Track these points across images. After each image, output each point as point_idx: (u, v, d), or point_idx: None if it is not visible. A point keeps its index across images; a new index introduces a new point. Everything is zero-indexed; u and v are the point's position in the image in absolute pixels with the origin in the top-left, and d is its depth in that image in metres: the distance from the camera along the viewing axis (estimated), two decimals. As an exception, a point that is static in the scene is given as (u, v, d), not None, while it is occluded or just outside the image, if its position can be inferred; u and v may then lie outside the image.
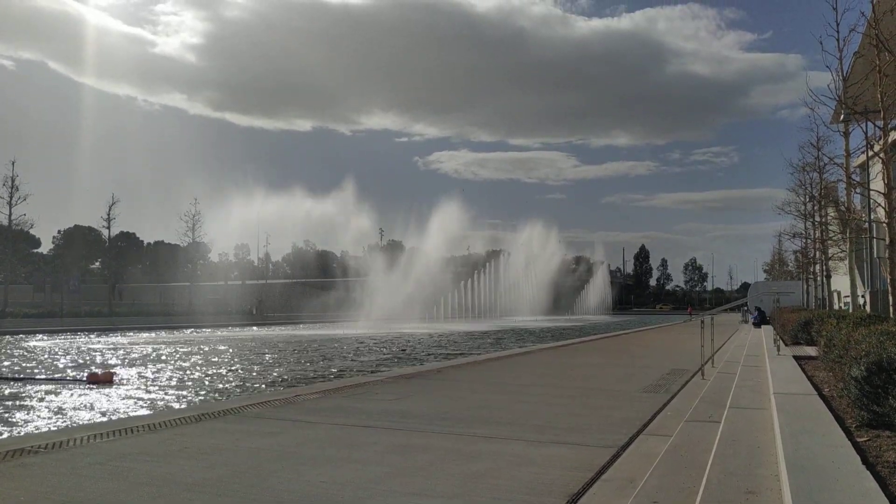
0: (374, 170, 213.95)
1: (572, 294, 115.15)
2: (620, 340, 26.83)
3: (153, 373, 18.26)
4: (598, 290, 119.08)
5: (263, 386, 15.55)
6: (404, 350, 27.07)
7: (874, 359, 5.81)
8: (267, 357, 23.73)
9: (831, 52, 14.16)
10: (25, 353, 25.47)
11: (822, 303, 30.90)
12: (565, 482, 5.05)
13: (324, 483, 5.04)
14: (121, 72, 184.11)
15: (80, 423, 10.66)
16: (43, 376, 17.52)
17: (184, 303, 68.58)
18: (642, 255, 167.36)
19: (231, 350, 27.07)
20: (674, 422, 7.36)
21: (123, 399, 13.42)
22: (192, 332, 44.45)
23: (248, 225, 73.73)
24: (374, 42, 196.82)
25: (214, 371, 18.83)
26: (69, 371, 18.89)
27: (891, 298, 12.27)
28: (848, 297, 24.74)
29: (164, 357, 23.39)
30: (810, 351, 14.35)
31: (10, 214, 54.02)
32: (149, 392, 14.48)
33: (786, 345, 16.95)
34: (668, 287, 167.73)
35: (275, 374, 18.10)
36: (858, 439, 5.33)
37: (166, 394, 14.25)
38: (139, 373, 18.23)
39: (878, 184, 12.54)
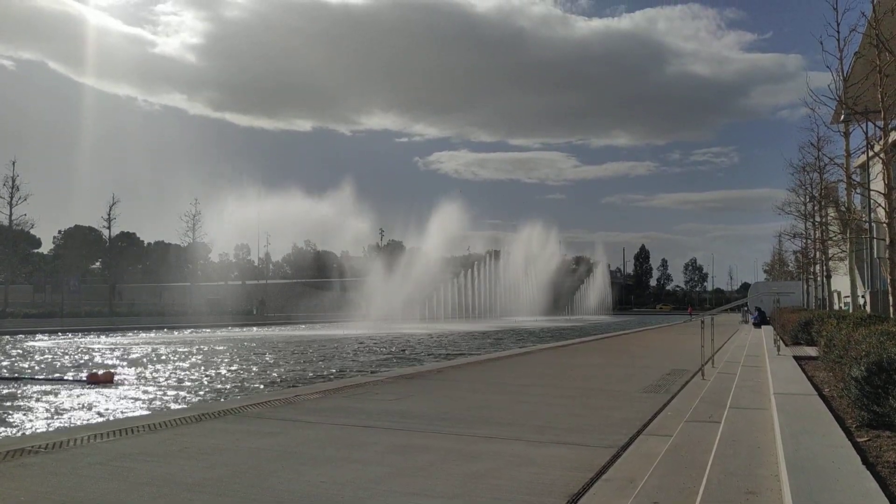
0: (374, 170, 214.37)
1: (572, 294, 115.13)
2: (620, 341, 26.82)
3: (153, 373, 18.26)
4: (598, 290, 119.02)
5: (263, 386, 15.55)
6: (404, 350, 27.07)
7: (874, 359, 5.81)
8: (267, 357, 23.73)
9: (831, 53, 14.17)
10: (25, 353, 25.47)
11: (823, 303, 30.90)
12: (566, 482, 5.05)
13: (324, 483, 5.04)
14: (121, 72, 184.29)
15: (81, 423, 10.66)
16: (43, 376, 17.52)
17: (184, 303, 68.62)
18: (642, 256, 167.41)
19: (231, 350, 27.08)
20: (674, 422, 7.36)
21: (123, 399, 13.42)
22: (192, 332, 44.43)
23: (249, 225, 73.87)
24: (374, 42, 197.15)
25: (214, 371, 18.83)
26: (69, 371, 18.89)
27: (891, 299, 12.27)
28: (848, 297, 24.75)
29: (164, 357, 23.39)
30: (810, 351, 14.35)
31: (11, 214, 54.24)
32: (149, 392, 14.48)
33: (786, 345, 16.94)
34: (668, 287, 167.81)
35: (275, 374, 18.10)
36: (858, 439, 5.33)
37: (166, 394, 14.25)
38: (139, 373, 18.23)
39: (878, 184, 12.54)
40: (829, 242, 26.40)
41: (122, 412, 11.77)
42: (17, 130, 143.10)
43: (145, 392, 14.49)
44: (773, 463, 4.61)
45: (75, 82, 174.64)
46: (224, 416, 7.94)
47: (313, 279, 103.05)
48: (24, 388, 15.22)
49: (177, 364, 20.83)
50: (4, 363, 21.52)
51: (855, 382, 5.98)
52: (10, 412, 11.86)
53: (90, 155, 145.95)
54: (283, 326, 54.05)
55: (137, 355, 24.14)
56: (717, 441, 5.45)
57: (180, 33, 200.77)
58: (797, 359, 12.29)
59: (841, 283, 30.66)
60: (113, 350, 27.12)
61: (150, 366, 20.22)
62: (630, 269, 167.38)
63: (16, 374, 17.96)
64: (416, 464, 5.66)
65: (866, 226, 22.49)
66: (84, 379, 16.09)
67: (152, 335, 39.88)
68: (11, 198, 53.54)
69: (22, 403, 12.91)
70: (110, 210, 63.13)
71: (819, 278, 31.57)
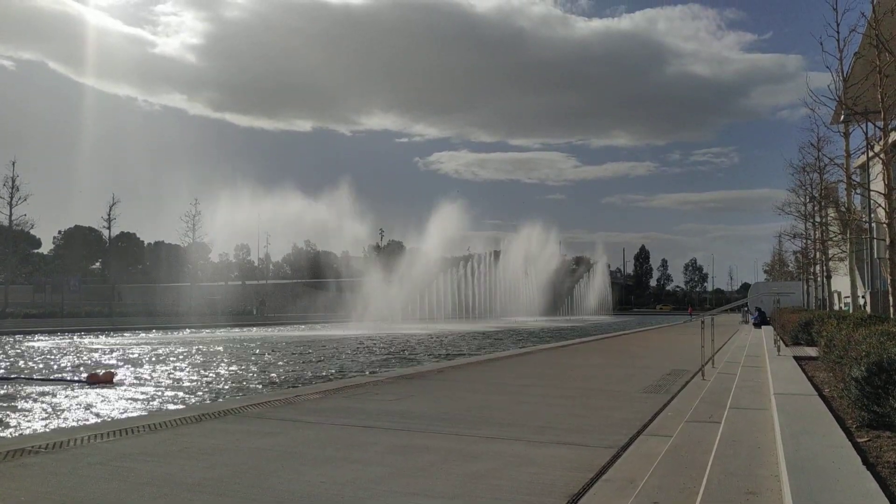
0: (374, 170, 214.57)
1: (572, 294, 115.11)
2: (620, 341, 26.81)
3: (153, 373, 18.26)
4: (597, 290, 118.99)
5: (263, 386, 15.55)
6: (404, 351, 27.07)
7: (874, 359, 5.81)
8: (267, 357, 23.74)
9: (831, 53, 14.20)
10: (25, 354, 25.47)
11: (823, 303, 30.90)
12: (566, 482, 5.06)
13: (324, 483, 5.04)
14: (121, 72, 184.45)
15: (81, 423, 10.66)
16: (43, 377, 17.51)
17: (184, 303, 68.60)
18: (642, 256, 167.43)
19: (231, 350, 27.07)
20: (674, 422, 7.36)
21: (123, 399, 13.42)
22: (192, 332, 44.44)
23: (249, 225, 73.88)
24: (374, 42, 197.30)
25: (214, 371, 18.83)
26: (69, 371, 18.89)
27: (891, 299, 12.28)
28: (848, 297, 24.74)
29: (163, 357, 23.39)
30: (811, 351, 14.34)
31: (11, 215, 54.28)
32: (149, 392, 14.48)
33: (786, 345, 16.94)
34: (668, 287, 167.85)
35: (275, 374, 18.10)
36: (859, 440, 5.33)
37: (166, 394, 14.25)
38: (139, 373, 18.23)
39: (878, 184, 12.55)
40: (830, 243, 26.42)
41: (122, 412, 11.77)
42: (17, 130, 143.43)
43: (145, 392, 14.49)
44: (774, 463, 4.61)
45: (75, 82, 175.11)
46: (224, 416, 7.94)
47: (313, 279, 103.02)
48: (24, 388, 15.22)
49: (176, 364, 20.82)
50: (4, 363, 21.52)
51: (855, 383, 5.98)
52: (10, 412, 11.86)
53: (90, 155, 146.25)
54: (282, 327, 54.03)
55: (137, 355, 24.14)
56: (717, 441, 5.45)
57: (180, 33, 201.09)
58: (797, 359, 12.28)
59: (841, 283, 30.68)
60: (113, 350, 27.11)
61: (149, 366, 20.22)
62: (630, 269, 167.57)
63: (16, 375, 17.96)
64: (416, 464, 5.66)
65: (866, 226, 22.52)
66: (84, 379, 16.08)
67: (152, 335, 39.87)
68: (11, 198, 53.62)
69: (22, 403, 12.90)
70: (110, 210, 63.29)
71: (819, 279, 31.58)
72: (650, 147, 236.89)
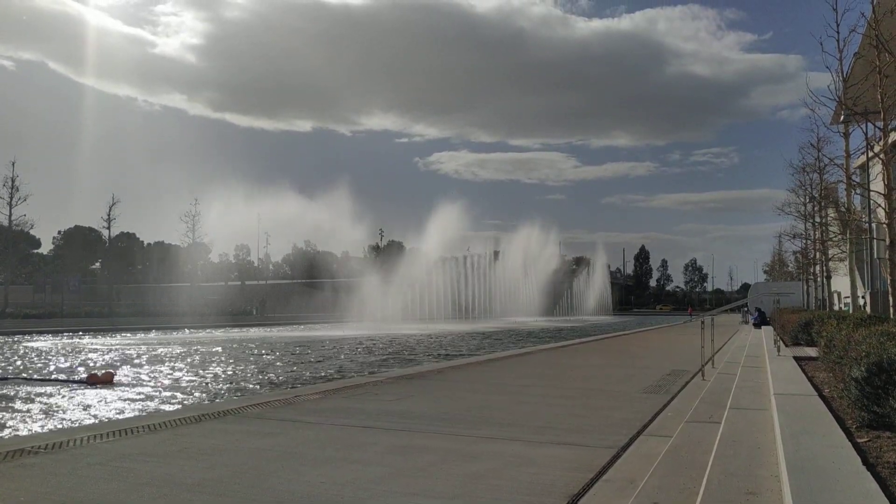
0: (374, 170, 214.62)
1: (571, 295, 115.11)
2: (620, 341, 26.82)
3: (153, 373, 18.25)
4: (597, 290, 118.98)
5: (262, 387, 15.54)
6: (404, 351, 27.07)
7: (874, 360, 5.81)
8: (266, 357, 23.73)
9: (831, 53, 14.18)
10: (25, 354, 25.46)
11: (823, 303, 30.89)
12: (566, 483, 5.05)
13: (324, 483, 5.04)
14: (121, 72, 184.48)
15: (80, 423, 10.65)
16: (43, 377, 17.50)
17: (184, 303, 68.53)
18: (642, 256, 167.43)
19: (231, 351, 27.07)
20: (674, 422, 7.36)
21: (123, 399, 13.41)
22: (191, 332, 44.43)
23: (248, 225, 73.99)
24: (374, 42, 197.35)
25: (214, 371, 18.83)
26: (69, 371, 18.88)
27: (891, 299, 12.27)
28: (848, 297, 24.75)
29: (163, 357, 23.38)
30: (810, 352, 14.35)
31: (11, 215, 54.28)
32: (148, 393, 14.47)
33: (786, 345, 16.94)
34: (668, 288, 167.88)
35: (274, 374, 18.10)
36: (859, 440, 5.33)
37: (165, 394, 14.24)
38: (139, 373, 18.22)
39: (878, 185, 12.54)
40: (829, 243, 26.41)
41: (121, 413, 11.77)
42: (17, 130, 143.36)
43: (145, 392, 14.48)
44: (774, 463, 4.61)
45: (75, 82, 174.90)
46: (224, 416, 7.94)
47: (313, 280, 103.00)
48: (24, 388, 15.21)
49: (176, 364, 20.82)
50: (4, 363, 21.51)
51: (855, 383, 5.98)
52: (10, 412, 11.85)
53: (90, 155, 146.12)
54: (282, 327, 54.03)
55: (137, 356, 24.13)
56: (717, 441, 5.45)
57: (180, 34, 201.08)
58: (797, 359, 12.28)
59: (841, 283, 30.67)
60: (113, 350, 27.10)
61: (149, 366, 20.21)
62: (630, 269, 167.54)
63: (15, 375, 17.95)
64: (416, 464, 5.66)
65: (866, 226, 22.52)
66: (84, 379, 16.08)
67: (152, 336, 39.86)
68: (11, 198, 53.62)
69: (21, 404, 12.89)
70: (110, 210, 63.15)
71: (819, 279, 31.57)
72: (650, 147, 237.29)
